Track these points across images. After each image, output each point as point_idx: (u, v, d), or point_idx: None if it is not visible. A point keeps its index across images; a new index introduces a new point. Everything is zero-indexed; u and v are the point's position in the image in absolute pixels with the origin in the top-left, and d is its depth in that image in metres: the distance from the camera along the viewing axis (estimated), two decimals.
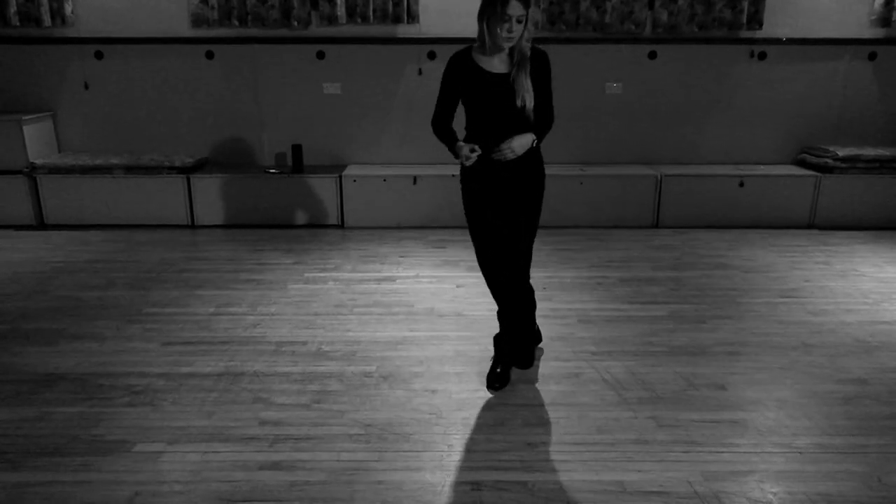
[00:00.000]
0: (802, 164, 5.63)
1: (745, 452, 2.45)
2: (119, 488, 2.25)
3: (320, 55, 5.48)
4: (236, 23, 5.35)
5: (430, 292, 3.98)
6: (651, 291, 4.02)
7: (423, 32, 5.36)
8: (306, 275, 4.30)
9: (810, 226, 5.39)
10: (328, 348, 3.28)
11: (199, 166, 5.55)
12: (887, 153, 5.29)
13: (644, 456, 2.43)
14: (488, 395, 2.85)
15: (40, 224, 5.41)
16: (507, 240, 2.80)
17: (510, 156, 2.65)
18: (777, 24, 5.40)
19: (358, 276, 4.27)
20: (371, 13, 5.29)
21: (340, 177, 5.33)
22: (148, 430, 2.58)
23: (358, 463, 2.39)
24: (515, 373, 3.03)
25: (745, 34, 5.43)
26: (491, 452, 2.45)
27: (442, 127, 2.79)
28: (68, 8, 5.31)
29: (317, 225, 5.40)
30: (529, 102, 2.65)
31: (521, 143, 2.66)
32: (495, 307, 3.74)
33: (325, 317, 3.64)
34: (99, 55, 5.47)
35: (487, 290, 3.98)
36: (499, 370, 2.94)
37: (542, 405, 2.77)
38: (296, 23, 5.33)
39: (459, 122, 2.79)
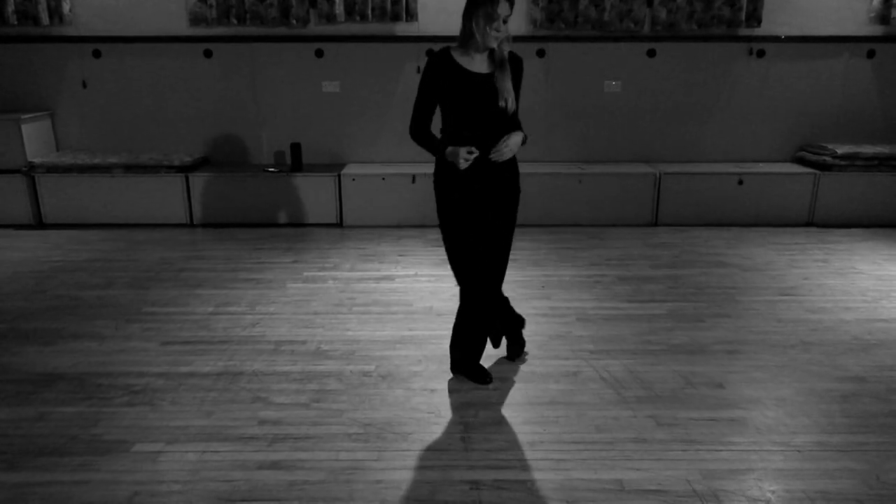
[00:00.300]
0: (801, 161, 5.63)
1: (743, 451, 2.46)
2: (118, 488, 2.25)
3: (319, 53, 5.47)
4: (235, 21, 5.34)
5: (428, 291, 3.98)
6: (650, 290, 4.02)
7: (422, 30, 5.35)
8: (305, 274, 4.30)
9: (809, 224, 5.39)
10: (327, 347, 3.28)
11: (198, 165, 5.55)
12: (886, 151, 5.29)
13: (643, 454, 2.43)
14: (487, 393, 2.85)
15: (39, 223, 5.40)
16: (483, 247, 2.79)
17: (508, 155, 2.64)
18: (776, 21, 5.40)
19: (357, 275, 4.27)
20: (370, 11, 5.29)
21: (339, 175, 5.32)
22: (147, 430, 2.58)
23: (357, 462, 2.39)
24: (514, 371, 3.03)
25: (743, 32, 5.43)
26: (490, 451, 2.45)
27: (423, 132, 2.74)
28: (66, 6, 5.30)
29: (316, 224, 5.40)
30: (511, 103, 2.65)
31: (515, 141, 2.66)
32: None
33: (324, 316, 3.64)
34: (97, 54, 5.47)
35: None
36: (477, 367, 2.98)
37: (540, 404, 2.77)
38: (294, 21, 5.32)
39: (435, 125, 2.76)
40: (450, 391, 2.88)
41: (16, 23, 5.31)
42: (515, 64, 2.72)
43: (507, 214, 2.80)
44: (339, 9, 5.28)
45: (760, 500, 2.20)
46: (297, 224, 5.40)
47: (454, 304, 3.76)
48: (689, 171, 5.39)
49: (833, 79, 5.54)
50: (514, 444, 2.49)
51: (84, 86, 5.55)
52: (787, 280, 4.18)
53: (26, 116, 5.31)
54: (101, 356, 3.19)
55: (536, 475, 2.32)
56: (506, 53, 2.65)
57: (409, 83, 5.49)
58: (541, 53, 5.47)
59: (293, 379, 2.97)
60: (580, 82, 5.55)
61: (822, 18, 5.39)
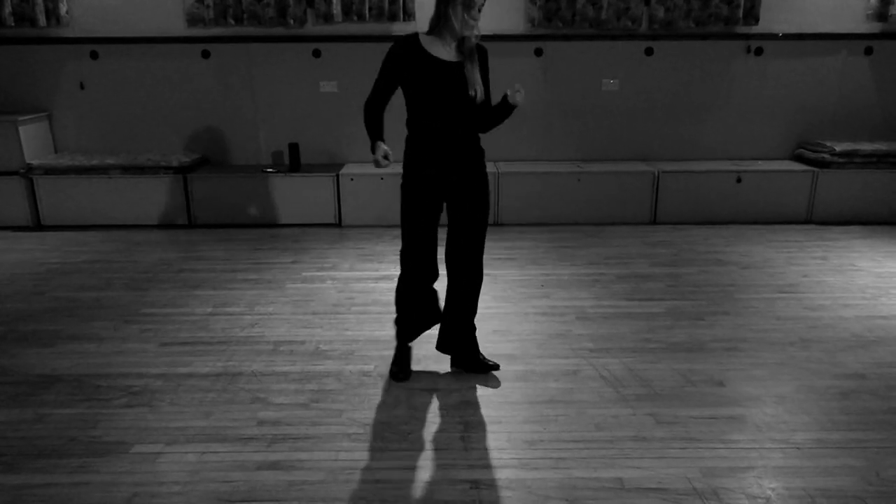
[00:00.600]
0: (800, 159, 5.63)
1: (743, 448, 2.46)
2: (117, 489, 2.25)
3: (316, 53, 5.47)
4: (232, 21, 5.33)
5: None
6: (649, 288, 4.02)
7: (420, 30, 5.33)
8: (304, 274, 4.29)
9: (808, 221, 5.39)
10: (326, 347, 3.27)
11: (196, 166, 5.54)
12: (884, 148, 5.29)
13: (642, 452, 2.43)
14: (487, 393, 2.85)
15: (37, 225, 5.40)
16: (454, 233, 2.83)
17: (521, 98, 2.66)
18: (773, 19, 5.39)
19: (356, 274, 4.27)
20: (367, 11, 5.28)
21: (337, 175, 5.32)
22: (146, 431, 2.58)
23: (356, 462, 2.39)
24: (514, 371, 3.03)
25: (741, 30, 5.42)
26: (489, 450, 2.45)
27: (375, 111, 2.73)
28: (63, 8, 5.29)
29: (314, 224, 5.40)
30: (481, 93, 2.66)
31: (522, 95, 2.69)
32: (492, 305, 3.75)
33: (323, 316, 3.64)
34: (94, 55, 5.46)
35: (484, 289, 3.98)
36: (400, 373, 2.98)
37: (540, 402, 2.77)
38: (292, 21, 5.32)
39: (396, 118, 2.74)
40: (449, 390, 2.87)
41: (13, 24, 5.30)
42: (482, 54, 2.73)
43: (479, 201, 2.80)
44: (337, 9, 5.27)
45: (760, 498, 2.20)
46: (296, 224, 5.39)
47: None
48: (688, 170, 5.39)
49: (831, 76, 5.54)
50: (513, 443, 2.49)
51: (82, 87, 5.54)
52: (786, 277, 4.18)
53: (24, 118, 5.30)
54: (100, 357, 3.19)
55: (536, 474, 2.32)
56: (474, 44, 2.66)
57: None
58: (538, 52, 5.46)
59: (292, 379, 2.97)
60: (578, 81, 5.55)
61: (819, 16, 5.39)
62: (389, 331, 3.43)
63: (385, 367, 3.07)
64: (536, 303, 3.80)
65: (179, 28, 5.39)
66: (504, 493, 2.22)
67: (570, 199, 5.35)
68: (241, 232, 5.24)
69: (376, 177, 5.29)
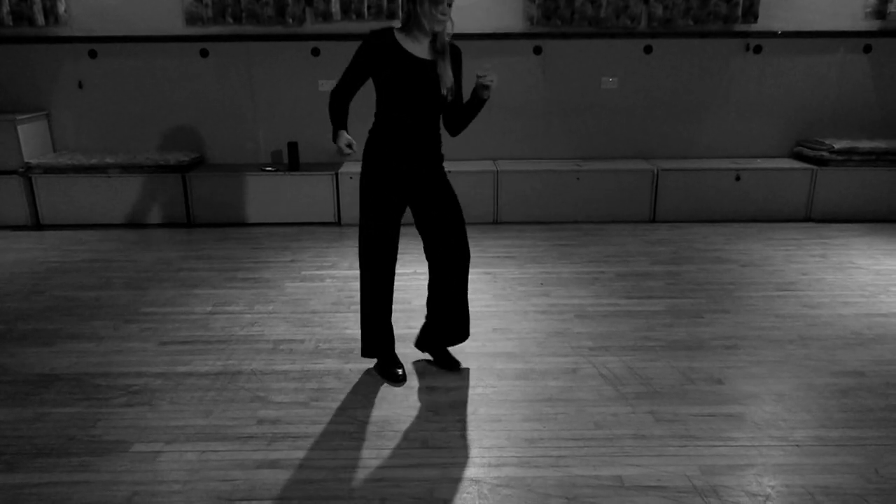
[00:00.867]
0: (798, 157, 5.63)
1: (742, 446, 2.46)
2: (117, 488, 2.25)
3: (315, 52, 5.47)
4: (230, 20, 5.33)
5: (426, 289, 3.97)
6: (648, 286, 4.02)
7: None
8: (303, 273, 4.29)
9: (807, 219, 5.39)
10: (326, 346, 3.27)
11: (195, 165, 5.54)
12: (883, 145, 5.30)
13: (642, 450, 2.43)
14: (486, 391, 2.85)
15: (36, 224, 5.39)
16: (426, 230, 2.84)
17: (492, 83, 2.62)
18: (772, 17, 5.39)
19: (355, 273, 4.24)
20: (366, 9, 5.28)
21: (337, 174, 5.32)
22: (146, 430, 2.58)
23: (356, 460, 2.39)
24: (513, 369, 3.03)
25: (740, 28, 5.42)
26: (489, 448, 2.45)
27: (341, 102, 2.72)
28: (61, 7, 5.28)
29: (313, 223, 5.40)
30: (452, 93, 2.66)
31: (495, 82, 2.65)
32: (492, 303, 3.75)
33: (323, 314, 3.64)
34: (93, 54, 5.45)
35: (483, 287, 3.99)
36: (399, 371, 2.97)
37: (539, 401, 2.77)
38: (290, 20, 5.31)
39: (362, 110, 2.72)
40: (449, 388, 2.88)
41: (11, 24, 5.30)
42: (456, 56, 2.72)
43: (442, 189, 2.81)
44: (336, 7, 5.27)
45: (760, 496, 2.20)
46: (295, 223, 5.39)
47: None
48: (687, 168, 5.39)
49: (830, 74, 5.54)
50: (513, 441, 2.50)
51: (80, 86, 5.54)
52: (786, 275, 4.19)
53: (22, 117, 5.29)
54: (100, 356, 3.19)
55: (536, 472, 2.32)
56: (447, 43, 2.65)
57: None
58: (537, 51, 5.46)
59: (292, 378, 2.97)
60: (577, 79, 5.55)
61: (818, 14, 5.39)
62: None
63: None
64: (536, 301, 3.80)
65: (178, 27, 5.39)
66: (504, 492, 2.22)
67: (570, 198, 5.35)
68: (241, 231, 5.24)
69: None
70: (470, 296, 3.82)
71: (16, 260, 4.60)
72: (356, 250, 4.69)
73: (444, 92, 2.64)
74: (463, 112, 2.76)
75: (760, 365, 3.06)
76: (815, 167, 5.34)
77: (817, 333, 3.38)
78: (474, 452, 2.43)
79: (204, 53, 5.46)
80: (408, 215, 2.85)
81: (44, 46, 5.43)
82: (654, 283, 4.06)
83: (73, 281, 4.19)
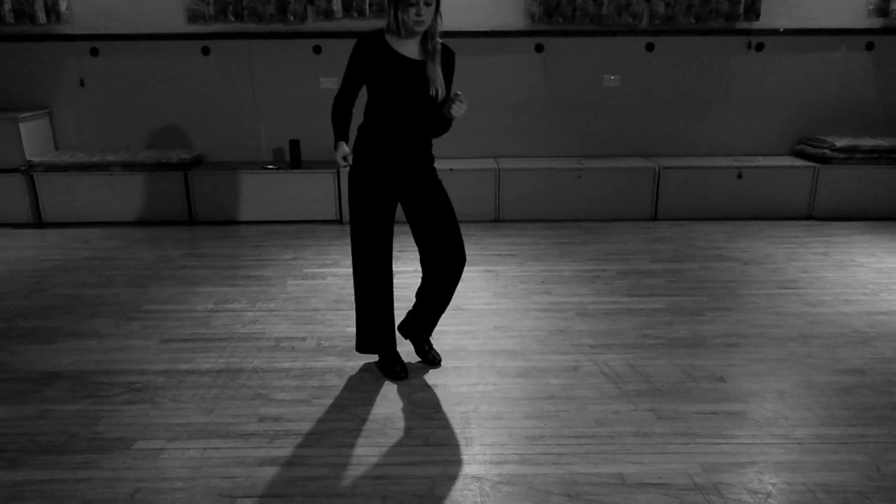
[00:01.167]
0: (800, 155, 5.63)
1: (743, 444, 2.46)
2: (119, 486, 2.26)
3: (317, 50, 5.46)
4: (232, 18, 5.33)
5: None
6: (649, 284, 4.02)
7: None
8: (305, 270, 4.30)
9: (808, 217, 5.39)
10: (327, 344, 3.28)
11: (197, 162, 5.55)
12: (885, 143, 5.29)
13: (643, 448, 2.44)
14: (488, 388, 2.85)
15: (38, 222, 5.40)
16: (419, 229, 2.82)
17: (462, 110, 2.61)
18: (774, 14, 5.38)
19: None
20: (367, 7, 5.28)
21: (338, 172, 5.32)
22: (148, 428, 2.59)
23: (358, 458, 2.39)
24: (514, 367, 3.04)
25: (742, 25, 5.42)
26: (490, 446, 2.46)
27: (343, 108, 2.74)
28: (63, 4, 5.28)
29: (315, 220, 5.40)
30: (442, 94, 2.66)
31: (465, 107, 2.63)
32: (493, 301, 3.76)
33: (325, 312, 3.64)
34: (94, 52, 5.46)
35: (485, 285, 3.99)
36: (400, 368, 2.96)
37: (541, 399, 2.77)
38: (292, 17, 5.31)
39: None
40: (450, 386, 2.88)
41: (12, 21, 5.30)
42: (448, 58, 2.71)
43: (433, 190, 2.80)
44: (337, 5, 5.27)
45: (761, 493, 2.20)
46: (297, 221, 5.39)
47: (454, 299, 3.75)
48: (689, 166, 5.38)
49: (832, 72, 5.54)
50: (514, 439, 2.50)
51: (82, 84, 5.54)
52: (787, 273, 4.18)
53: (24, 115, 5.30)
54: (101, 354, 3.19)
55: (537, 469, 2.32)
56: (438, 44, 2.64)
57: None
58: (539, 48, 5.46)
59: (294, 375, 2.98)
60: (578, 77, 5.55)
61: (820, 11, 5.38)
62: None
63: None
64: (537, 299, 3.80)
65: (180, 25, 5.39)
66: (505, 489, 2.23)
67: (571, 196, 5.35)
68: (242, 228, 5.24)
69: None
70: (471, 294, 3.85)
71: (17, 258, 4.60)
72: None
73: (432, 93, 2.64)
74: (436, 121, 2.73)
75: (762, 363, 3.06)
76: (816, 165, 5.33)
77: (819, 331, 3.38)
78: (475, 450, 2.44)
79: (205, 51, 5.47)
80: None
81: (46, 44, 5.43)
82: (656, 281, 4.06)
83: (75, 279, 4.20)
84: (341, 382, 2.91)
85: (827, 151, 5.32)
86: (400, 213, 2.84)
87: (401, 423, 2.61)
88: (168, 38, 5.41)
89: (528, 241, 4.82)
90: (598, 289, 3.95)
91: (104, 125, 5.65)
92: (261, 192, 5.35)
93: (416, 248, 2.89)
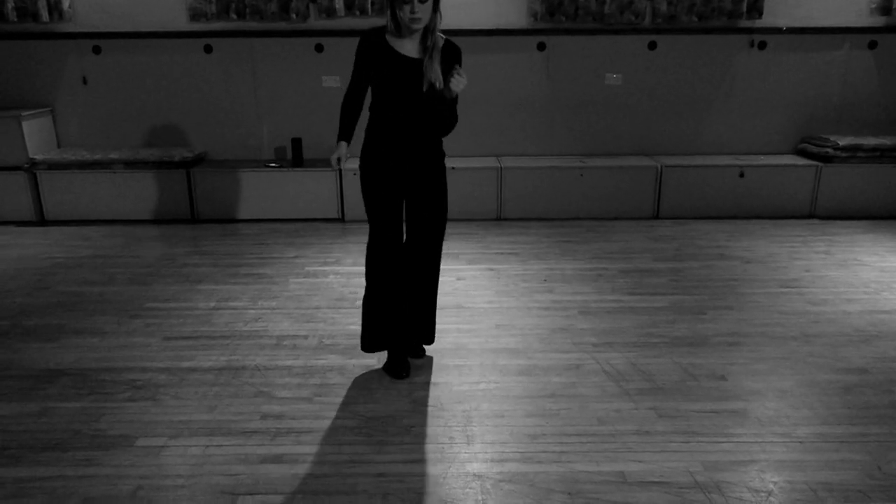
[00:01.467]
0: (803, 153, 5.62)
1: (745, 442, 2.46)
2: (121, 482, 2.26)
3: (319, 48, 5.46)
4: (234, 16, 5.33)
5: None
6: (651, 283, 4.02)
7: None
8: (307, 269, 4.30)
9: (811, 216, 5.38)
10: (329, 342, 3.28)
11: (199, 160, 5.55)
12: (888, 142, 5.28)
13: (645, 446, 2.44)
14: (489, 387, 2.86)
15: (40, 220, 5.41)
16: (411, 226, 2.84)
17: (462, 84, 2.60)
18: (777, 13, 5.37)
19: (358, 269, 4.27)
20: (369, 5, 5.28)
21: (340, 170, 5.31)
22: (150, 425, 2.59)
23: (359, 455, 2.40)
24: (516, 365, 3.04)
25: (744, 24, 5.41)
26: (492, 444, 2.46)
27: (352, 106, 2.78)
28: (66, 3, 5.29)
29: (317, 219, 5.40)
30: (440, 85, 2.64)
31: (464, 81, 2.61)
32: (495, 300, 3.76)
33: (326, 310, 3.64)
34: (97, 50, 5.46)
35: (487, 283, 4.00)
36: (401, 365, 2.96)
37: (542, 397, 2.78)
38: (294, 16, 5.31)
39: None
40: (452, 384, 2.88)
41: (15, 19, 5.30)
42: (453, 52, 2.70)
43: (434, 196, 2.81)
44: (339, 3, 5.27)
45: (762, 492, 2.20)
46: (299, 219, 5.40)
47: (455, 297, 3.78)
48: (691, 164, 5.38)
49: (835, 70, 5.53)
50: (516, 437, 2.50)
51: (84, 82, 5.55)
52: (789, 272, 4.18)
53: (27, 113, 5.30)
54: (104, 352, 3.20)
55: (539, 467, 2.32)
56: (440, 41, 2.65)
57: None
58: (541, 47, 5.45)
59: (295, 373, 2.98)
60: (581, 76, 5.54)
61: (823, 9, 5.37)
62: None
63: None
64: (539, 297, 3.80)
65: (182, 23, 5.39)
66: (506, 487, 2.23)
67: (573, 194, 5.35)
68: (244, 227, 5.25)
69: None
70: (473, 292, 3.85)
71: (20, 255, 4.61)
72: (360, 246, 4.72)
73: (424, 88, 2.63)
74: (438, 113, 2.72)
75: (763, 361, 3.06)
76: (819, 164, 5.32)
77: (821, 330, 3.37)
78: (477, 448, 2.44)
79: (208, 49, 5.47)
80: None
81: (48, 42, 5.44)
82: (658, 280, 4.06)
83: (78, 276, 4.20)
84: (343, 380, 2.92)
85: (829, 150, 5.31)
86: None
87: (402, 422, 2.61)
88: (170, 36, 5.41)
89: (530, 240, 4.82)
90: (599, 287, 3.95)
91: (106, 123, 5.65)
92: (263, 191, 5.35)
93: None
